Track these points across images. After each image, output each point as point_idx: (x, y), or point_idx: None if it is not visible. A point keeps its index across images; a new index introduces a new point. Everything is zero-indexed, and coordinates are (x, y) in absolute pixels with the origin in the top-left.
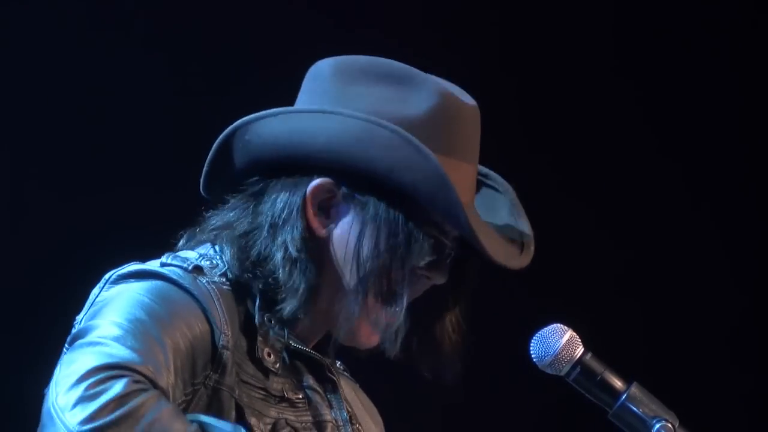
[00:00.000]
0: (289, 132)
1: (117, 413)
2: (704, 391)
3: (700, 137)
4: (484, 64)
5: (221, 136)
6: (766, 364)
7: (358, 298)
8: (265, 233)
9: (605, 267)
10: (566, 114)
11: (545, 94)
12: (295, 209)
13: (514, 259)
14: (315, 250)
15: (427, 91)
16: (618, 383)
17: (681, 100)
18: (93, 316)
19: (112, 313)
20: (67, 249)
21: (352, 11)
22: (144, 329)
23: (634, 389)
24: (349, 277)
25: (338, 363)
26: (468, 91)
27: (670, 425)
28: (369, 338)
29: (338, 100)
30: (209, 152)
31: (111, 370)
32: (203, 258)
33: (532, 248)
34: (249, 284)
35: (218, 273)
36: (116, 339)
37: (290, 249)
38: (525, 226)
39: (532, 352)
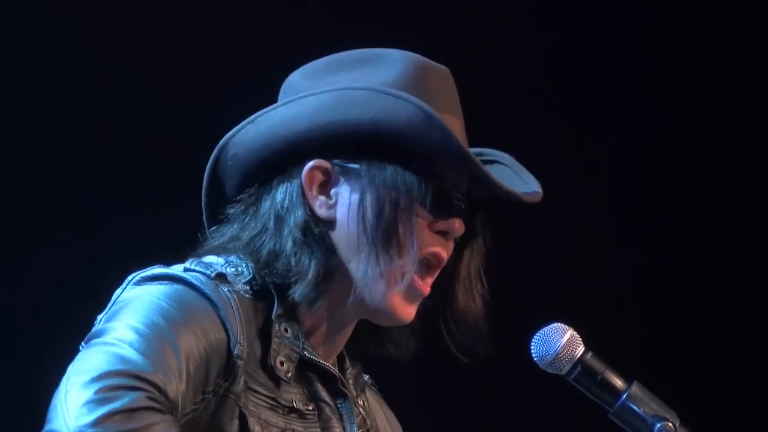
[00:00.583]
0: (270, 128)
1: (122, 426)
2: (704, 390)
3: (710, 139)
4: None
5: (210, 162)
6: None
7: (372, 261)
8: (272, 230)
9: (607, 267)
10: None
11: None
12: (294, 197)
13: (525, 189)
14: (322, 232)
15: (393, 61)
16: (619, 382)
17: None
18: (112, 317)
19: (130, 315)
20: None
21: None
22: (160, 334)
23: (635, 388)
24: (360, 246)
25: (366, 377)
26: None
27: (671, 424)
28: (404, 309)
29: (309, 92)
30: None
31: (124, 377)
32: (228, 264)
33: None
34: (270, 291)
35: (242, 281)
36: (131, 343)
37: (297, 236)
38: (530, 176)
39: (532, 351)
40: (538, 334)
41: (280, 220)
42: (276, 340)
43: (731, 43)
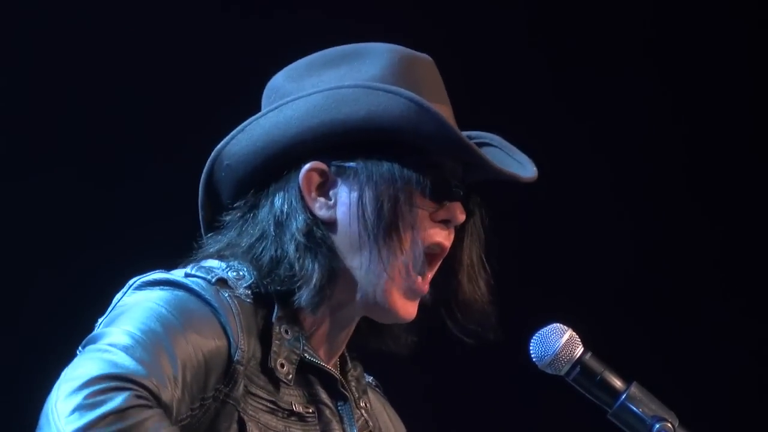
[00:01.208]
0: (262, 135)
1: (114, 427)
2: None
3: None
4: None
5: (203, 175)
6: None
7: (375, 257)
8: (272, 236)
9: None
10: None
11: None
12: (294, 201)
13: (520, 170)
14: (324, 234)
15: (376, 54)
16: (618, 383)
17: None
18: (110, 322)
19: (128, 321)
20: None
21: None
22: (156, 341)
23: (634, 389)
24: (362, 244)
25: (369, 378)
26: None
27: (669, 425)
28: (405, 307)
29: (297, 95)
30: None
31: (114, 380)
32: (230, 269)
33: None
34: (271, 294)
35: (244, 284)
36: (125, 348)
37: (300, 239)
38: (522, 156)
39: (531, 351)
40: (537, 334)
41: (280, 225)
42: (276, 342)
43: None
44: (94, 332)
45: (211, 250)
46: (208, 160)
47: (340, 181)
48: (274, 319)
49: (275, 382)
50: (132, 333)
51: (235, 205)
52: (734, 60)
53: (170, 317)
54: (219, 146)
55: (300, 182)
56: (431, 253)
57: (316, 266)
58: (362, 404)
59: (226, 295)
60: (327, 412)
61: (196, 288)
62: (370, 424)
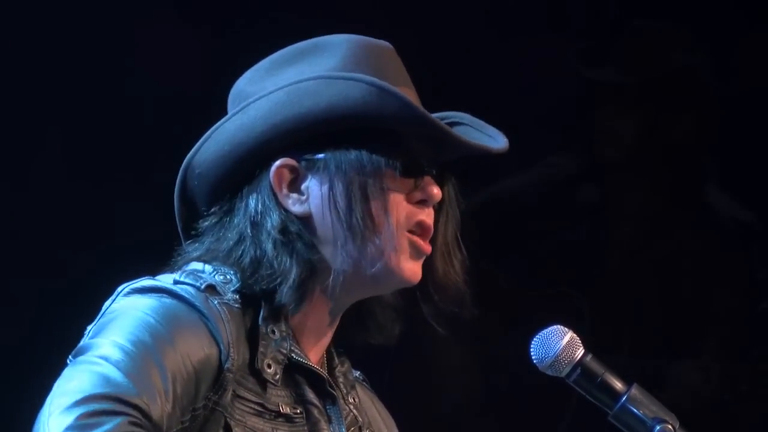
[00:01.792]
0: (228, 138)
1: None
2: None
3: None
4: None
5: (177, 186)
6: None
7: (350, 247)
8: (250, 237)
9: None
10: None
11: None
12: (267, 199)
13: (491, 142)
14: (300, 229)
15: (335, 46)
16: (618, 384)
17: None
18: (99, 331)
19: (117, 332)
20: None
21: None
22: (146, 353)
23: (635, 391)
24: (337, 235)
25: (357, 373)
26: None
27: (670, 427)
28: (410, 268)
29: (258, 95)
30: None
31: (106, 402)
32: (217, 272)
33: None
34: (258, 296)
35: (232, 289)
36: (116, 362)
37: (276, 236)
38: (493, 129)
39: (532, 353)
40: (537, 336)
41: (256, 225)
42: (263, 342)
43: None
44: (84, 342)
45: (192, 256)
46: (180, 171)
47: (310, 175)
48: (260, 320)
49: (263, 383)
50: (122, 345)
51: (210, 211)
52: None
53: (159, 327)
54: (188, 156)
55: (271, 180)
56: (419, 232)
57: (294, 261)
58: (351, 400)
59: (216, 302)
60: (315, 411)
61: (186, 295)
62: (360, 420)
